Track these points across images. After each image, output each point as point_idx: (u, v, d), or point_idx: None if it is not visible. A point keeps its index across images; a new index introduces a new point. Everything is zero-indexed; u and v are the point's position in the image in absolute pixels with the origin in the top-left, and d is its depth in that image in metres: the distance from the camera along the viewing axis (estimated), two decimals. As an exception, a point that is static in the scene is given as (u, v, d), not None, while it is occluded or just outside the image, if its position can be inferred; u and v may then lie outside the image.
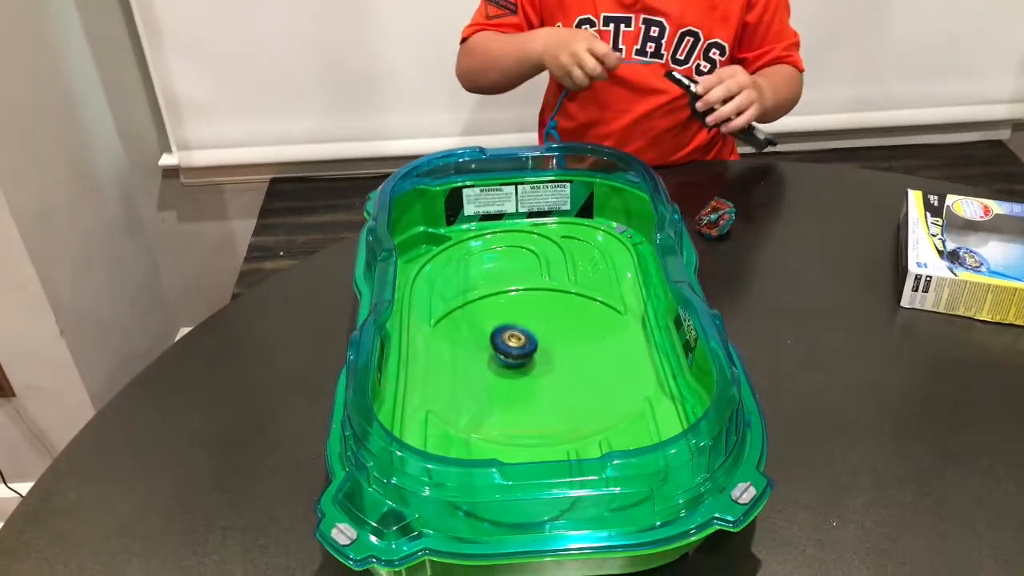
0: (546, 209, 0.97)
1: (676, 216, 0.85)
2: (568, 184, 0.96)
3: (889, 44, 1.63)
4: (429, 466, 0.56)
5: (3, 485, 1.51)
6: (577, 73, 0.97)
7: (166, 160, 1.65)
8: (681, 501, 0.56)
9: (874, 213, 1.02)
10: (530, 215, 0.97)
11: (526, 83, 1.15)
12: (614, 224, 0.95)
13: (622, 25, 1.11)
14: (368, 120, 1.64)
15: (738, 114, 0.98)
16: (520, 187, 0.96)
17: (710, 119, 0.99)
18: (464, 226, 0.96)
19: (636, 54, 1.11)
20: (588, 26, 1.11)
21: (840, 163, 1.70)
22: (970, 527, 0.64)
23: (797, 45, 1.15)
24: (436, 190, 0.94)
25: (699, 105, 0.99)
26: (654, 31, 1.10)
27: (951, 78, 1.68)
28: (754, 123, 1.02)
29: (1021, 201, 0.96)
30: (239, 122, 1.62)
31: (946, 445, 0.71)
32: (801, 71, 1.15)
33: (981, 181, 1.62)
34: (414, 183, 0.93)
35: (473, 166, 0.95)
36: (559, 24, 1.12)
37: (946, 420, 0.74)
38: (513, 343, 0.75)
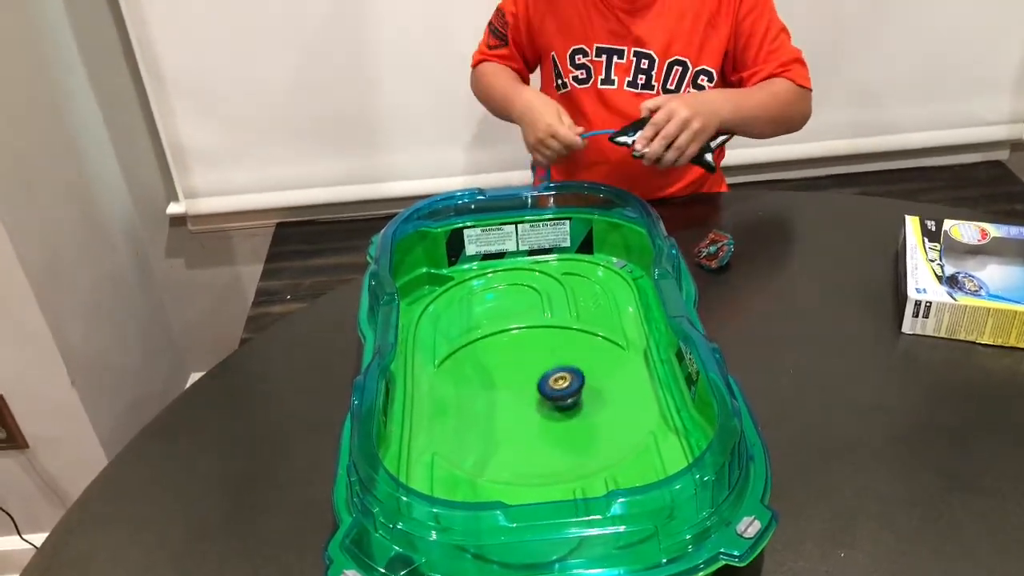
0: (547, 246, 0.98)
1: (674, 250, 0.86)
2: (567, 221, 0.97)
3: (885, 68, 1.65)
4: (435, 510, 0.56)
5: (17, 536, 1.51)
6: (543, 154, 1.05)
7: (173, 208, 1.68)
8: (687, 536, 0.57)
9: (872, 239, 1.03)
10: (531, 253, 0.98)
11: None
12: (614, 259, 0.96)
13: (615, 57, 1.13)
14: (371, 162, 1.66)
15: (682, 152, 1.01)
16: (520, 226, 0.97)
17: (660, 167, 1.02)
18: (466, 266, 0.97)
19: (628, 86, 1.14)
20: (581, 56, 1.14)
21: (839, 189, 1.71)
22: (978, 552, 0.64)
23: (797, 61, 1.13)
24: (437, 232, 0.95)
25: (644, 162, 1.02)
26: (644, 63, 1.13)
27: (948, 100, 1.70)
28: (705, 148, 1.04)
29: (1020, 222, 0.96)
30: (244, 168, 1.64)
31: (952, 470, 0.71)
32: (802, 86, 1.12)
33: (981, 202, 1.62)
34: (416, 225, 0.94)
35: (473, 207, 0.96)
36: (553, 55, 1.15)
37: (951, 445, 0.74)
38: (560, 385, 0.75)
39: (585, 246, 0.98)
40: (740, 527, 0.57)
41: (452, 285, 0.95)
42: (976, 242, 0.94)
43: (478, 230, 0.96)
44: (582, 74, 1.15)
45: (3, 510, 1.49)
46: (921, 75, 1.66)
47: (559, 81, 1.17)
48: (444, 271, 0.96)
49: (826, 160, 1.74)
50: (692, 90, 1.14)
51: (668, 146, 1.00)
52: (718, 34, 1.11)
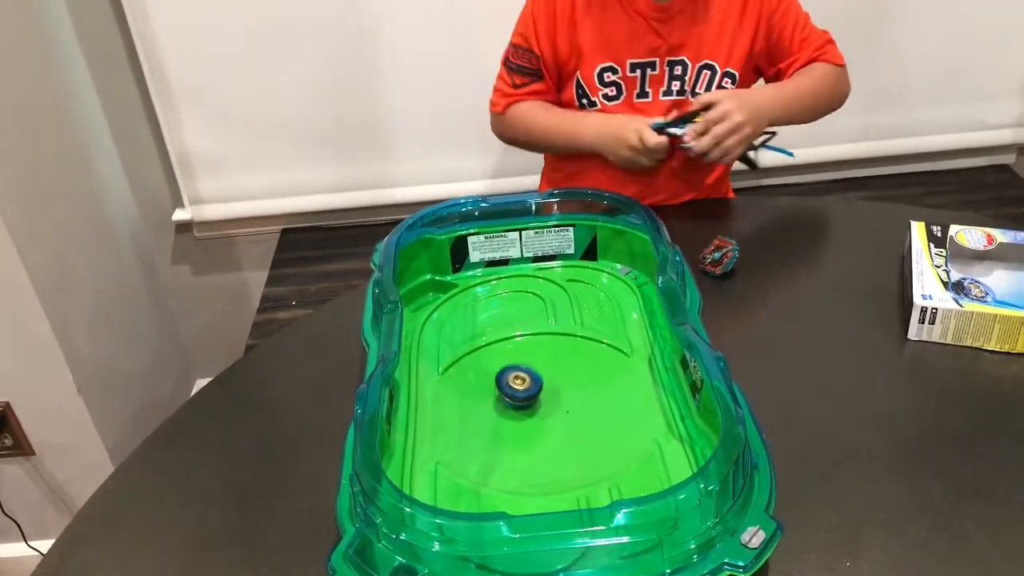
0: (551, 253, 0.98)
1: (678, 257, 0.86)
2: (571, 228, 0.97)
3: (892, 72, 1.64)
4: (438, 521, 0.56)
5: (24, 543, 1.52)
6: (643, 162, 1.08)
7: (179, 215, 1.68)
8: (692, 547, 0.57)
9: (877, 244, 1.02)
10: (535, 259, 0.98)
11: None
12: (618, 266, 0.96)
13: (648, 70, 1.13)
14: (377, 168, 1.66)
15: (726, 154, 1.04)
16: (524, 233, 0.97)
17: (704, 161, 1.05)
18: (470, 273, 0.97)
19: (663, 95, 1.15)
20: (610, 73, 1.14)
21: (845, 193, 1.71)
22: (986, 561, 0.64)
23: (828, 43, 1.16)
24: (441, 239, 0.95)
25: (689, 155, 1.05)
26: (677, 70, 1.13)
27: (955, 104, 1.69)
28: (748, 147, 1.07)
29: (1026, 227, 0.96)
30: (249, 175, 1.65)
31: (959, 478, 0.71)
32: (839, 65, 1.15)
33: (988, 206, 1.62)
34: (419, 233, 0.94)
35: (477, 214, 0.96)
36: (578, 74, 1.14)
37: (958, 452, 0.74)
38: (518, 384, 0.75)
39: (589, 253, 0.98)
40: (745, 537, 0.57)
41: (456, 292, 0.95)
42: (982, 248, 0.93)
43: (482, 237, 0.96)
44: (612, 91, 1.15)
45: (9, 517, 1.49)
46: (928, 79, 1.66)
47: (584, 101, 1.17)
48: (448, 278, 0.96)
49: (832, 164, 1.74)
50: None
51: (715, 144, 1.03)
52: (744, 35, 1.12)
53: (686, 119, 1.05)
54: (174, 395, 1.77)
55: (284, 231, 1.72)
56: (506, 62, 1.18)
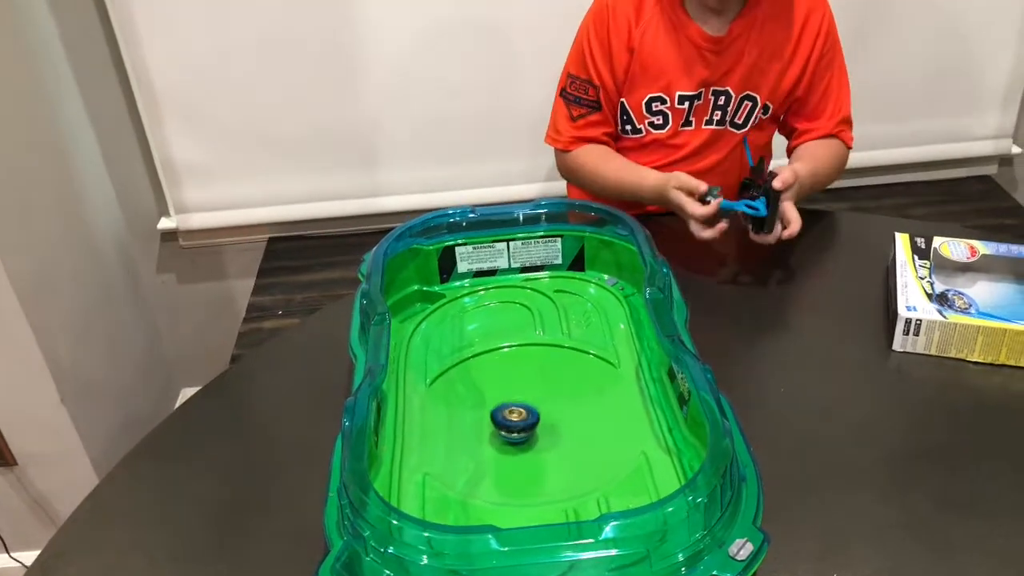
0: (538, 264, 0.98)
1: (665, 269, 0.86)
2: (559, 239, 0.97)
3: (873, 84, 1.65)
4: (426, 534, 0.56)
5: (5, 554, 1.50)
6: (702, 237, 1.02)
7: (164, 223, 1.67)
8: (680, 559, 0.57)
9: (861, 256, 1.03)
10: (523, 270, 0.98)
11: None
12: (605, 277, 0.96)
13: (695, 101, 1.15)
14: (363, 177, 1.66)
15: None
16: (512, 243, 0.97)
17: (770, 238, 1.01)
18: (458, 283, 0.97)
19: (704, 124, 1.16)
20: (659, 103, 1.15)
21: (829, 204, 1.72)
22: (971, 572, 0.64)
23: (848, 122, 1.17)
24: (429, 249, 0.95)
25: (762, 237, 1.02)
26: (721, 100, 1.14)
27: (937, 116, 1.71)
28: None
29: (1009, 238, 0.97)
30: (235, 184, 1.64)
31: (944, 489, 0.71)
32: (849, 147, 1.18)
33: (970, 217, 1.63)
34: (407, 243, 0.94)
35: (465, 224, 0.96)
36: (623, 100, 1.15)
37: (942, 464, 0.74)
38: (514, 418, 0.74)
39: (576, 263, 0.98)
40: (732, 549, 0.57)
41: (444, 302, 0.95)
42: (965, 259, 0.94)
43: (470, 247, 0.96)
44: (659, 120, 1.16)
45: (-9, 528, 1.48)
46: (910, 91, 1.68)
47: (628, 127, 1.17)
48: (436, 288, 0.96)
49: (816, 175, 1.75)
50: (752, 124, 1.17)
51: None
52: (790, 74, 1.13)
53: (757, 192, 1.02)
54: (158, 405, 1.75)
55: (270, 240, 1.72)
56: (563, 93, 1.17)
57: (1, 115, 1.30)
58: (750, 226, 1.03)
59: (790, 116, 1.19)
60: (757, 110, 1.15)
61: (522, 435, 0.74)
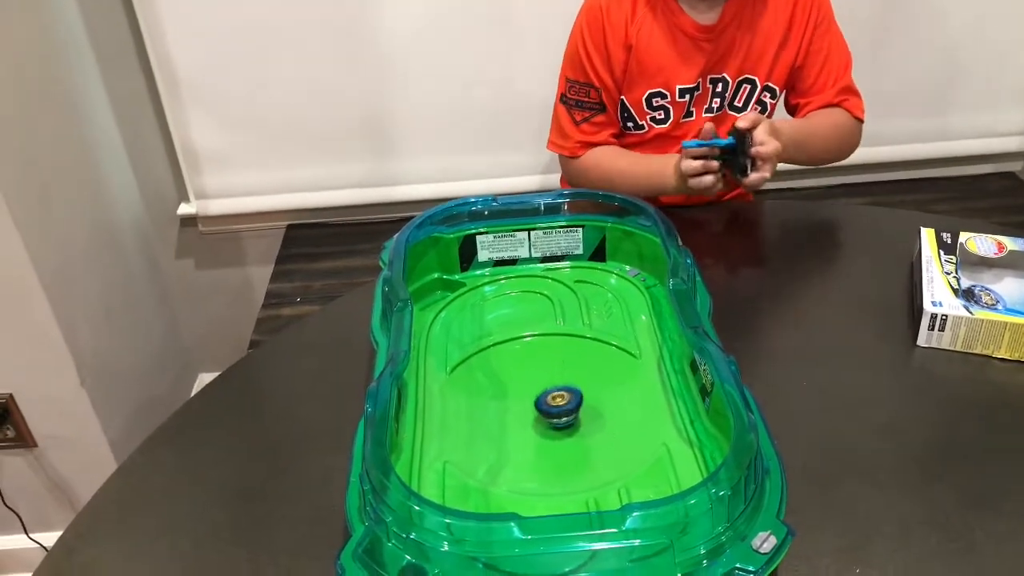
0: (559, 253, 0.98)
1: (689, 260, 0.86)
2: (580, 229, 0.97)
3: (897, 79, 1.64)
4: (448, 521, 0.56)
5: (25, 535, 1.51)
6: (706, 186, 1.03)
7: (184, 209, 1.68)
8: (702, 551, 0.56)
9: (886, 251, 1.02)
10: (543, 260, 0.98)
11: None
12: (627, 267, 0.96)
13: (695, 92, 1.14)
14: (383, 166, 1.66)
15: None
16: (533, 233, 0.97)
17: (747, 181, 1.01)
18: (478, 272, 0.97)
19: (705, 113, 1.15)
20: (659, 98, 1.14)
21: (850, 199, 1.70)
22: (994, 572, 0.63)
23: (853, 91, 1.14)
24: (450, 237, 0.95)
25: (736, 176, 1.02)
26: (719, 87, 1.14)
27: (960, 111, 1.69)
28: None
29: (1035, 235, 0.96)
30: (255, 170, 1.64)
31: (969, 487, 0.71)
32: (857, 118, 1.14)
33: (993, 213, 1.61)
34: (428, 231, 0.94)
35: (486, 213, 0.96)
36: (623, 98, 1.15)
37: (968, 461, 0.73)
38: (559, 403, 0.73)
39: (597, 254, 0.97)
40: (755, 542, 0.57)
41: (464, 291, 0.94)
42: (992, 255, 0.93)
43: (491, 236, 0.96)
44: (660, 115, 1.16)
45: (11, 509, 1.49)
46: (933, 86, 1.66)
47: (630, 124, 1.17)
48: (456, 277, 0.96)
49: (838, 169, 1.73)
50: (756, 107, 1.15)
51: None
52: (788, 52, 1.12)
53: (734, 147, 1.01)
54: (177, 389, 1.76)
55: (289, 227, 1.72)
56: (563, 99, 1.16)
57: (24, 102, 1.31)
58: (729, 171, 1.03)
59: (790, 95, 1.17)
60: (757, 92, 1.14)
61: (568, 419, 0.73)
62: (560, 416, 0.73)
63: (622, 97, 1.15)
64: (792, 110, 1.20)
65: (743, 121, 0.99)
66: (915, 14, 1.58)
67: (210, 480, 0.77)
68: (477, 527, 0.56)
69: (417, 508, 0.57)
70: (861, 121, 1.15)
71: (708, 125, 1.02)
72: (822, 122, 1.13)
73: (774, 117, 1.16)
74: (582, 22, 1.13)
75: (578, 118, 1.16)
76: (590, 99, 1.14)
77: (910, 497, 0.70)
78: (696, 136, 1.04)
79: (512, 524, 0.55)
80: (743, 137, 0.99)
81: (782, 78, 1.14)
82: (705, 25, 1.10)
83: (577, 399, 0.73)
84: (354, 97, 1.59)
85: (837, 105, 1.14)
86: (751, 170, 1.00)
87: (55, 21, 1.42)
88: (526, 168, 1.66)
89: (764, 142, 0.98)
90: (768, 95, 1.14)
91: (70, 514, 1.50)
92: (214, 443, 0.81)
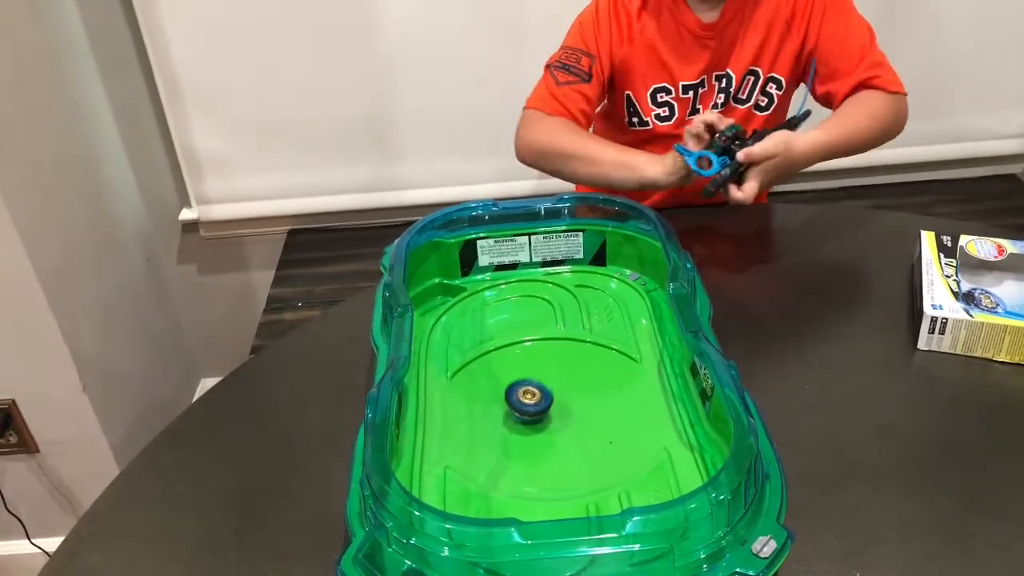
0: (560, 258, 0.98)
1: (689, 264, 0.86)
2: (581, 233, 0.97)
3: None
4: (448, 526, 0.56)
5: (27, 540, 1.52)
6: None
7: (186, 214, 1.68)
8: (702, 556, 0.56)
9: (885, 253, 1.02)
10: (544, 264, 0.98)
11: None
12: (627, 272, 0.96)
13: (700, 89, 1.14)
14: (384, 170, 1.66)
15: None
16: (533, 237, 0.97)
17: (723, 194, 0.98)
18: (479, 276, 0.97)
19: (711, 108, 1.15)
20: (664, 94, 1.14)
21: (851, 201, 1.70)
22: (997, 574, 0.63)
23: (882, 65, 1.09)
24: (451, 242, 0.95)
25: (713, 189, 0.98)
26: (723, 82, 1.14)
27: (961, 114, 1.69)
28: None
29: (1035, 238, 0.96)
30: (256, 175, 1.65)
31: (969, 490, 0.71)
32: (892, 92, 1.08)
33: (995, 216, 1.62)
34: (429, 236, 0.94)
35: (487, 218, 0.96)
36: (628, 94, 1.15)
37: (968, 465, 0.73)
38: (528, 399, 0.75)
39: (598, 258, 0.97)
40: (756, 546, 0.57)
41: (465, 296, 0.95)
42: (992, 258, 0.93)
43: (491, 241, 0.96)
44: (665, 111, 1.15)
45: (13, 514, 1.49)
46: (934, 89, 1.66)
47: (635, 119, 1.17)
48: (457, 282, 0.96)
49: (838, 172, 1.74)
50: (762, 98, 1.14)
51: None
52: (792, 41, 1.11)
53: (726, 152, 0.98)
54: (178, 394, 1.77)
55: (291, 232, 1.73)
56: (550, 66, 1.14)
57: (25, 107, 1.31)
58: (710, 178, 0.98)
59: (818, 83, 1.12)
60: (761, 83, 1.14)
61: (535, 417, 0.74)
62: (534, 415, 0.74)
63: (628, 92, 1.15)
64: (824, 100, 1.14)
65: (743, 155, 0.96)
66: (915, 17, 1.58)
67: (212, 485, 0.77)
68: (477, 532, 0.56)
69: (418, 513, 0.57)
70: (902, 94, 1.09)
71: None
72: (857, 112, 1.07)
73: (788, 107, 1.15)
74: (601, 3, 1.13)
75: (561, 79, 1.12)
76: (579, 65, 1.12)
77: (910, 500, 0.70)
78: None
79: (512, 529, 0.55)
80: (737, 165, 0.97)
81: (787, 68, 1.13)
82: (708, 23, 1.10)
83: (548, 399, 0.75)
84: (355, 102, 1.59)
85: (868, 83, 1.08)
86: (716, 187, 0.97)
87: (57, 26, 1.43)
88: (527, 172, 1.66)
89: (746, 190, 0.96)
90: (774, 86, 1.13)
91: (72, 519, 1.50)
92: (215, 448, 0.82)
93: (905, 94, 1.09)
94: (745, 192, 0.97)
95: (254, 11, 1.49)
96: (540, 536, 0.55)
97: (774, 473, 0.63)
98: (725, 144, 0.99)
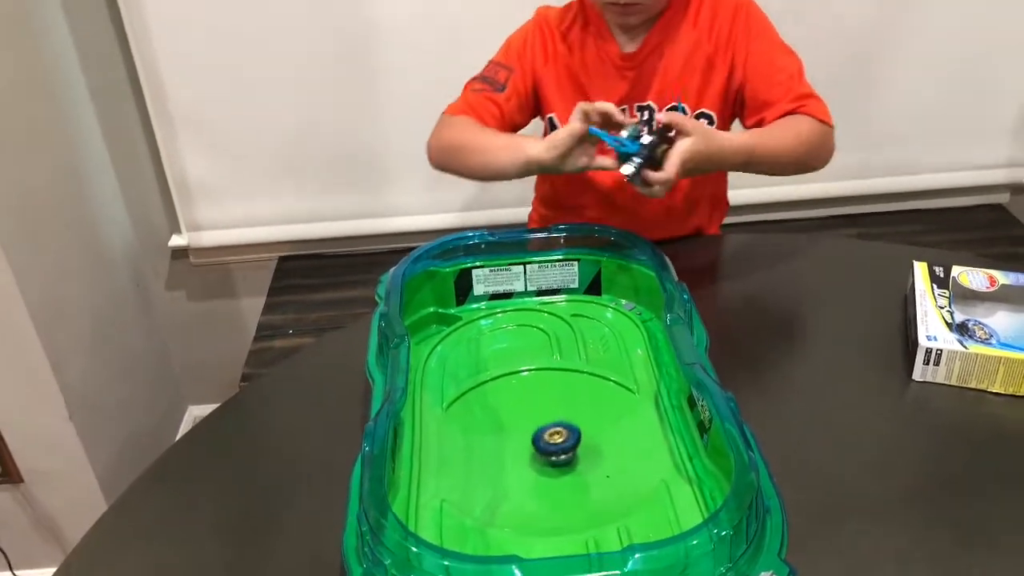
0: (555, 287, 0.98)
1: (685, 295, 0.86)
2: (576, 262, 0.97)
3: (886, 111, 1.66)
4: (447, 563, 0.55)
5: (10, 572, 1.49)
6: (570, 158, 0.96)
7: (176, 241, 1.67)
8: (704, 592, 0.56)
9: (878, 284, 1.02)
10: (539, 293, 0.98)
11: None
12: (623, 301, 0.96)
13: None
14: (375, 197, 1.66)
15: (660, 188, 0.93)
16: (528, 266, 0.97)
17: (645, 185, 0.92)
18: (474, 306, 0.97)
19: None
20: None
21: (838, 230, 1.72)
22: (998, 610, 0.63)
23: (812, 96, 1.07)
24: (446, 271, 0.95)
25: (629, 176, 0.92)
26: (646, 114, 1.13)
27: (948, 144, 1.71)
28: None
29: (1022, 269, 0.97)
30: (247, 202, 1.65)
31: (967, 523, 0.70)
32: (823, 122, 1.06)
33: (981, 245, 1.63)
34: (424, 265, 0.94)
35: (482, 247, 0.96)
36: (551, 116, 1.14)
37: (966, 497, 0.73)
38: (557, 440, 0.73)
39: (593, 288, 0.97)
40: (758, 582, 0.56)
41: (460, 325, 0.94)
42: (984, 289, 0.94)
43: (486, 270, 0.96)
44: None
45: (-5, 545, 1.47)
46: (921, 119, 1.68)
47: None
48: (452, 311, 0.96)
49: (825, 201, 1.75)
50: None
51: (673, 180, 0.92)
52: (718, 75, 1.11)
53: (644, 136, 0.93)
54: (166, 423, 1.75)
55: (281, 259, 1.72)
56: (476, 79, 1.16)
57: (16, 133, 1.31)
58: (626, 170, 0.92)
59: (745, 117, 1.12)
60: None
61: (566, 456, 0.73)
62: (559, 454, 0.72)
63: (551, 116, 1.15)
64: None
65: (664, 116, 0.93)
66: (903, 49, 1.60)
67: (203, 520, 0.75)
68: (476, 569, 0.56)
69: (415, 550, 0.56)
70: (829, 126, 1.07)
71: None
72: (783, 129, 1.05)
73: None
74: (530, 25, 1.16)
75: (476, 87, 1.15)
76: (496, 77, 1.14)
77: (908, 533, 0.70)
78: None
79: (513, 567, 0.54)
80: (661, 131, 0.92)
81: (716, 104, 1.11)
82: (627, 53, 1.11)
83: (575, 436, 0.73)
84: (346, 129, 1.59)
85: (797, 112, 1.07)
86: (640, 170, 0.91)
87: (50, 54, 1.43)
88: (520, 199, 1.66)
89: (667, 168, 0.91)
90: (705, 122, 1.12)
91: (56, 550, 1.47)
92: (207, 482, 0.80)
93: (832, 127, 1.07)
94: (666, 171, 0.91)
95: (246, 39, 1.50)
96: (541, 574, 0.55)
97: (775, 507, 0.62)
98: (639, 134, 0.94)
